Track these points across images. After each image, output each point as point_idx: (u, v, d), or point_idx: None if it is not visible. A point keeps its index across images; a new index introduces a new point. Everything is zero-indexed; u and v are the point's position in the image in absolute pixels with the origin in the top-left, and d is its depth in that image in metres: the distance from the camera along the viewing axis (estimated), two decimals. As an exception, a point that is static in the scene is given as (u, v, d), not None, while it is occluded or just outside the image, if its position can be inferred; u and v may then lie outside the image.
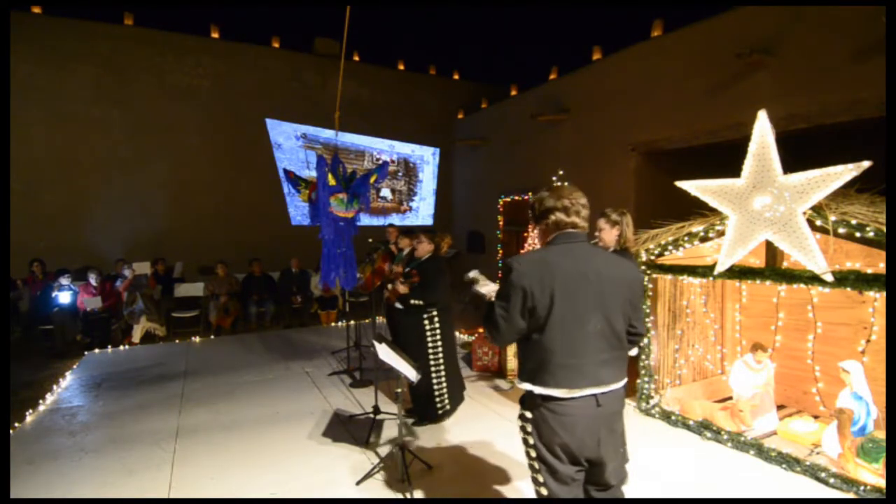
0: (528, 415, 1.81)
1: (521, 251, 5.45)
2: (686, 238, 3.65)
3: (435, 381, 3.88)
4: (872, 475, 2.86)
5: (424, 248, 4.01)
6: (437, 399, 3.90)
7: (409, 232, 4.50)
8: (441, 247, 4.07)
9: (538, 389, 1.73)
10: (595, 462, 1.78)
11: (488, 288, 2.03)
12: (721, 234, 3.37)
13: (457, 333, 5.63)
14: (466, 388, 4.37)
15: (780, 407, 3.88)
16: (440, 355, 3.91)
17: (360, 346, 5.39)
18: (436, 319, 3.91)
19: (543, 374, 1.71)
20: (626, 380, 1.82)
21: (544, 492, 1.80)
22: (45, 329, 6.54)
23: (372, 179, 5.05)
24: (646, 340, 4.04)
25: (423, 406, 3.92)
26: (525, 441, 1.85)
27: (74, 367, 5.77)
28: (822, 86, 4.95)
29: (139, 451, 3.55)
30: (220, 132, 9.56)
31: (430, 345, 3.88)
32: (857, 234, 2.81)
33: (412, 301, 3.87)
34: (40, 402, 4.58)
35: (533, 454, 1.81)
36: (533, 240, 5.29)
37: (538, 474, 1.80)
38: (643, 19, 6.95)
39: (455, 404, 4.08)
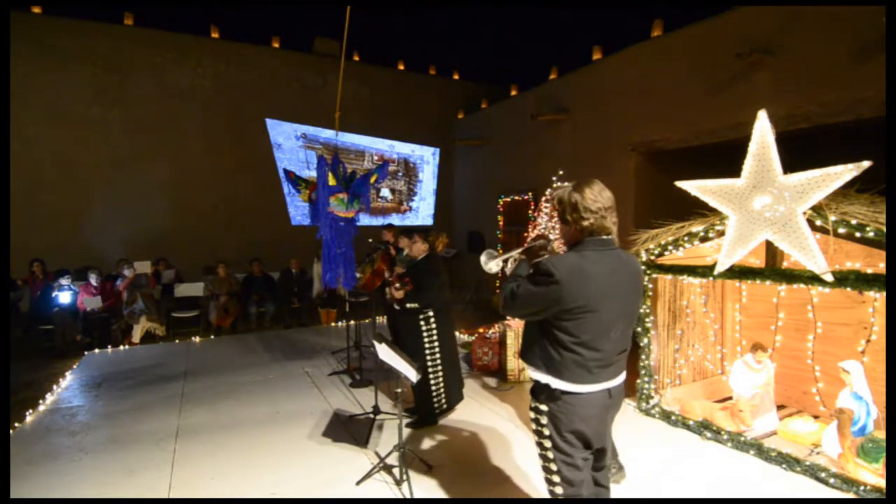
0: (544, 407, 1.87)
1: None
2: (686, 238, 3.65)
3: (432, 381, 3.89)
4: (872, 475, 2.86)
5: (419, 249, 4.00)
6: (435, 399, 3.91)
7: (407, 232, 4.50)
8: (436, 246, 4.07)
9: (558, 384, 1.81)
10: (601, 447, 1.93)
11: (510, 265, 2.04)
12: (721, 234, 3.37)
13: (456, 333, 5.62)
14: (466, 388, 4.36)
15: (780, 407, 3.88)
16: (437, 356, 3.92)
17: (360, 346, 5.39)
18: (432, 320, 3.91)
19: (566, 370, 1.79)
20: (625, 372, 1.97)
21: (557, 479, 1.87)
22: (46, 329, 6.54)
23: (372, 179, 5.05)
24: (646, 340, 4.04)
25: (421, 407, 3.92)
26: (539, 433, 1.91)
27: (74, 367, 5.77)
28: (822, 86, 4.94)
29: (139, 451, 3.56)
30: (220, 132, 9.56)
31: (426, 345, 3.89)
32: (857, 234, 2.81)
33: (408, 304, 3.88)
34: (40, 402, 4.58)
35: (548, 444, 1.87)
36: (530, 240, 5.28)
37: (551, 464, 1.87)
38: (643, 19, 6.95)
39: (453, 403, 4.08)
